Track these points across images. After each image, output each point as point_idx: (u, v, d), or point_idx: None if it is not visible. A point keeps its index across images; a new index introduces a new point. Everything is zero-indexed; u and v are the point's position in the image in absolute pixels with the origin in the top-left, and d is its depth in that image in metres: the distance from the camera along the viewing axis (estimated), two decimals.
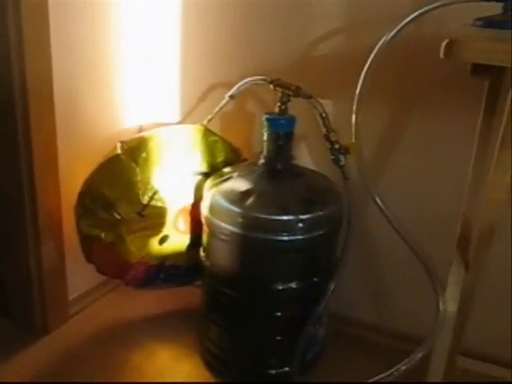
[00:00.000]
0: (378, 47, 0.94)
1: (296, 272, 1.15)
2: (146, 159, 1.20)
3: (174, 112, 1.46)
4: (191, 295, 1.44)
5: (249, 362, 1.23)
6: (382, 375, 0.96)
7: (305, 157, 1.31)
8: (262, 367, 1.22)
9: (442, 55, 0.73)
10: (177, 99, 1.45)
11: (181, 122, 1.46)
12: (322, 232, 1.12)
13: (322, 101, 1.16)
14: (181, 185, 1.27)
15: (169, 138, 1.24)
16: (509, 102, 0.79)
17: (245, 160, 1.33)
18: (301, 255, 1.13)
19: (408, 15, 0.88)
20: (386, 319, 1.37)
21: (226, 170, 1.23)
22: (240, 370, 1.23)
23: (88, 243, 1.25)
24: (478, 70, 0.80)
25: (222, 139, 1.31)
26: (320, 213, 1.11)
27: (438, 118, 1.18)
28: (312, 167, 1.29)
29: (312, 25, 1.23)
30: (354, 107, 1.00)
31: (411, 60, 1.17)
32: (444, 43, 0.70)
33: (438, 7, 0.86)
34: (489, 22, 0.81)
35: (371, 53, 0.94)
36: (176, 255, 1.32)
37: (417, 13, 0.88)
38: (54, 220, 1.29)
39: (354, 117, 1.01)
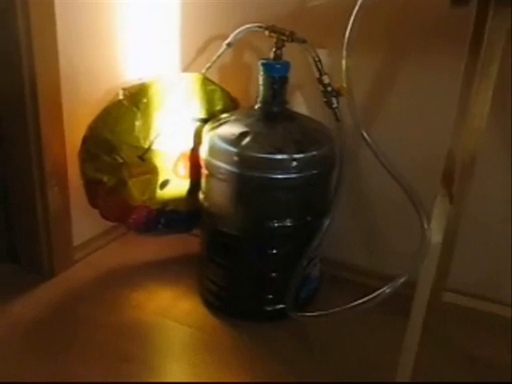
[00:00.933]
0: None
1: (290, 210, 1.20)
2: (147, 104, 1.25)
3: (173, 64, 1.49)
4: (190, 244, 1.51)
5: (246, 299, 1.28)
6: (365, 298, 0.99)
7: (299, 105, 1.36)
8: (259, 304, 1.28)
9: None
10: (176, 52, 1.48)
11: None
12: (315, 172, 1.17)
13: (317, 50, 1.21)
14: (181, 130, 1.31)
15: (169, 84, 1.28)
16: (489, 26, 0.83)
17: None
18: (295, 193, 1.18)
19: None
20: (377, 262, 1.42)
21: (224, 115, 1.28)
22: (237, 307, 1.29)
23: (92, 188, 1.30)
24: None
25: (221, 88, 1.36)
26: (313, 153, 1.16)
27: (427, 63, 1.22)
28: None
29: None
30: (344, 52, 1.03)
31: (402, 7, 1.20)
32: None
33: None
34: None
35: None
36: (176, 200, 1.38)
37: None
38: (59, 166, 1.34)
39: (343, 62, 1.05)
